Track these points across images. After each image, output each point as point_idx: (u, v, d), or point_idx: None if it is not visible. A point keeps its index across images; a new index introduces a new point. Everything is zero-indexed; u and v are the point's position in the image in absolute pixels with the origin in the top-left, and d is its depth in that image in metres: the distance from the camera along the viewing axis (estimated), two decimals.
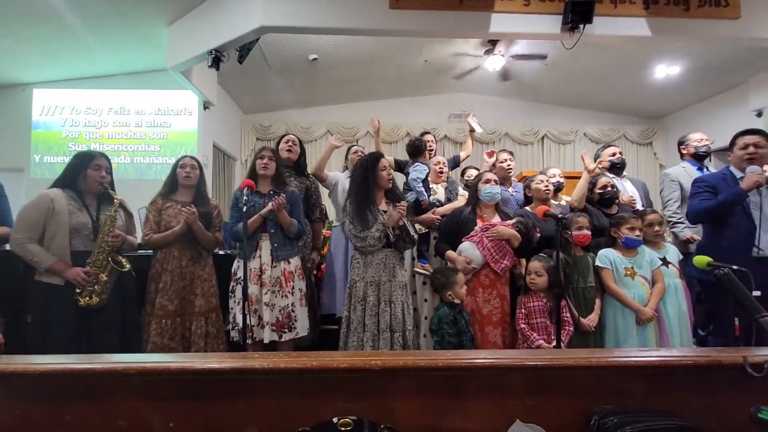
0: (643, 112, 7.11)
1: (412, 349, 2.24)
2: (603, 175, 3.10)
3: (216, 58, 3.91)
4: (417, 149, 3.28)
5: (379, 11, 3.54)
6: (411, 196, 3.06)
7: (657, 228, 2.62)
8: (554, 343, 2.14)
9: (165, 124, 5.28)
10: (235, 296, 2.36)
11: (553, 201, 3.01)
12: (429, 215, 2.91)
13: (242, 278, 2.23)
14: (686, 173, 3.01)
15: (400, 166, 3.55)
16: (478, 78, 6.20)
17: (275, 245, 2.40)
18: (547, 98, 7.00)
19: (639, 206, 3.07)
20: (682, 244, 2.86)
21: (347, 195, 2.50)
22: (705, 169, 3.08)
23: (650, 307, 2.37)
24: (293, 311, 2.39)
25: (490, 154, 3.51)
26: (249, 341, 2.29)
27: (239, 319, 2.21)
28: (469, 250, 2.38)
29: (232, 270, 2.46)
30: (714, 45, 4.51)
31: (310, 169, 3.15)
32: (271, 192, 2.47)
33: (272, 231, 2.41)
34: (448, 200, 3.09)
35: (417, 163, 3.15)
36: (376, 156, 2.49)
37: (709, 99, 6.23)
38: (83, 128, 5.20)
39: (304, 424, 0.88)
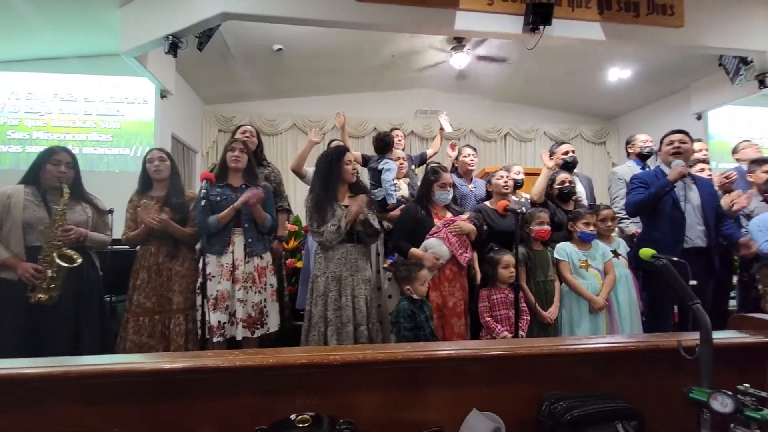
0: (598, 112, 7.49)
1: (377, 343, 2.25)
2: (560, 171, 3.24)
3: (173, 44, 3.72)
4: (385, 145, 3.28)
5: (345, 3, 3.51)
6: (379, 193, 3.07)
7: (609, 223, 2.79)
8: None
9: (118, 112, 4.98)
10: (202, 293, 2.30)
11: (513, 197, 3.11)
12: (397, 212, 2.93)
13: (210, 274, 2.20)
14: (631, 172, 3.20)
15: (366, 161, 3.54)
16: (444, 75, 6.28)
17: (249, 240, 2.35)
18: (511, 97, 7.21)
19: (585, 202, 3.22)
20: (628, 238, 3.06)
21: (309, 189, 2.48)
22: (648, 168, 3.28)
23: (602, 297, 2.52)
24: (265, 307, 2.36)
25: (453, 147, 3.57)
26: (221, 339, 2.24)
27: (208, 316, 2.19)
28: (436, 247, 2.42)
29: (200, 266, 2.38)
30: (660, 51, 4.80)
31: (290, 166, 3.10)
32: (243, 186, 2.40)
33: (246, 226, 2.35)
34: (412, 196, 3.12)
35: (386, 160, 3.16)
36: (341, 150, 2.48)
37: (656, 102, 6.65)
38: (24, 115, 4.80)
39: (262, 423, 0.86)
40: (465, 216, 2.53)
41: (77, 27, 4.22)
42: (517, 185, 3.20)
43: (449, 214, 2.56)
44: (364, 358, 0.93)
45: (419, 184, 3.34)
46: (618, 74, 5.91)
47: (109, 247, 2.49)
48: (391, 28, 3.77)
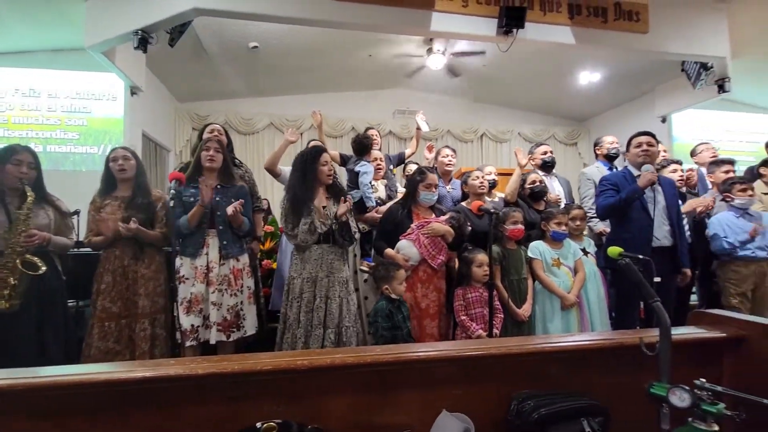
0: (570, 114, 7.71)
1: (348, 345, 2.23)
2: (533, 171, 3.32)
3: (143, 40, 3.61)
4: (364, 147, 3.28)
5: (321, 2, 3.48)
6: (356, 194, 3.06)
7: (579, 222, 2.87)
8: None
9: (84, 109, 4.79)
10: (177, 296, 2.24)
11: (487, 197, 3.16)
12: (372, 214, 2.93)
13: (183, 276, 2.14)
14: (599, 172, 3.31)
15: (344, 161, 3.52)
16: (422, 75, 6.32)
17: (224, 242, 2.29)
18: (487, 98, 7.33)
19: (563, 203, 3.32)
20: (597, 237, 3.15)
21: (285, 190, 2.44)
22: (615, 169, 3.40)
23: (573, 294, 2.59)
24: (242, 310, 2.31)
25: (430, 149, 3.60)
26: (194, 342, 2.18)
27: (182, 320, 2.13)
28: (406, 248, 2.43)
29: (175, 268, 2.31)
30: (627, 56, 4.97)
31: (263, 164, 3.04)
32: (219, 186, 2.34)
33: (221, 228, 2.29)
34: (389, 198, 3.12)
35: (363, 162, 3.15)
36: (318, 150, 2.44)
37: (624, 105, 6.90)
38: None
39: None
40: (443, 218, 2.54)
41: (41, 19, 4.03)
42: (490, 185, 3.25)
43: (432, 215, 2.57)
44: (332, 362, 0.91)
45: (398, 184, 3.36)
46: (588, 77, 6.10)
47: (74, 249, 2.40)
48: (368, 27, 3.76)
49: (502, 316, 2.50)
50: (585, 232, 3.09)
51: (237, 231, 2.35)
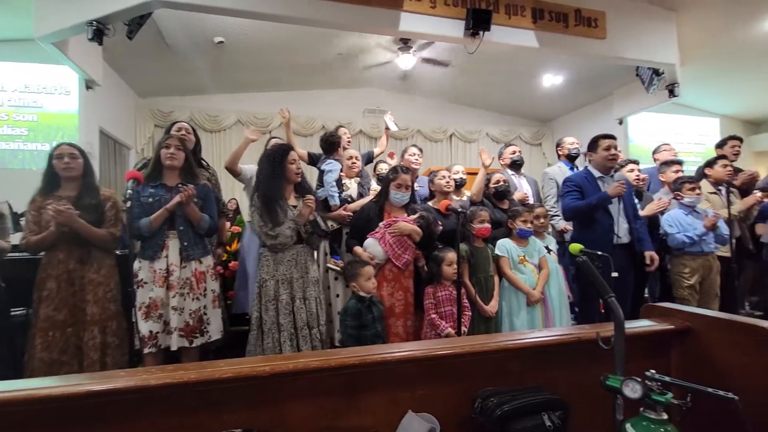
0: (535, 115, 7.96)
1: (327, 343, 2.22)
2: (502, 171, 3.41)
3: (98, 31, 3.41)
4: (331, 145, 3.25)
5: None
6: (322, 193, 3.03)
7: (543, 220, 2.96)
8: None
9: (35, 103, 4.48)
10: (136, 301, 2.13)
11: (455, 197, 3.21)
12: (340, 212, 2.92)
13: (142, 281, 2.04)
14: (561, 172, 3.45)
15: (314, 160, 3.48)
16: (392, 75, 6.34)
17: (185, 244, 2.19)
18: (456, 99, 7.45)
19: (531, 201, 3.44)
20: (558, 234, 3.28)
21: (253, 189, 2.38)
22: (575, 169, 3.54)
23: (538, 290, 2.68)
24: (205, 314, 2.22)
25: (392, 156, 3.63)
26: (153, 349, 2.08)
27: (141, 326, 2.03)
28: (371, 247, 2.43)
29: (133, 271, 2.20)
30: (587, 60, 5.18)
31: (224, 163, 2.94)
32: (180, 185, 2.23)
33: (181, 228, 2.19)
34: (360, 195, 3.11)
35: (329, 160, 3.12)
36: (285, 148, 2.40)
37: (585, 107, 7.20)
38: None
39: None
40: (412, 217, 2.56)
41: None
42: (459, 184, 3.31)
43: (404, 214, 2.58)
44: (295, 367, 0.89)
45: (373, 182, 3.36)
46: (551, 80, 6.32)
47: (18, 253, 2.24)
48: (336, 25, 3.73)
49: (471, 313, 2.56)
50: (548, 230, 3.20)
51: (198, 229, 2.25)
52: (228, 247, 3.35)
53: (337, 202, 2.96)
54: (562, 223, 3.29)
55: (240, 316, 2.89)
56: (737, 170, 3.96)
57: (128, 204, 1.89)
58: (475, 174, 3.23)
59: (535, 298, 2.66)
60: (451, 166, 3.38)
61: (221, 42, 5.01)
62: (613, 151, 2.78)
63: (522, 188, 3.60)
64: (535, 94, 6.83)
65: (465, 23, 3.70)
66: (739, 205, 3.29)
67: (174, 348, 2.11)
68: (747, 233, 3.48)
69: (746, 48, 5.03)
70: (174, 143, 2.26)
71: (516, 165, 3.63)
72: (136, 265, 2.15)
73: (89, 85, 4.60)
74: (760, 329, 1.15)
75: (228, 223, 3.56)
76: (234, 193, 5.63)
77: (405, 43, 5.39)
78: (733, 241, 3.17)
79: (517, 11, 3.92)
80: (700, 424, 1.19)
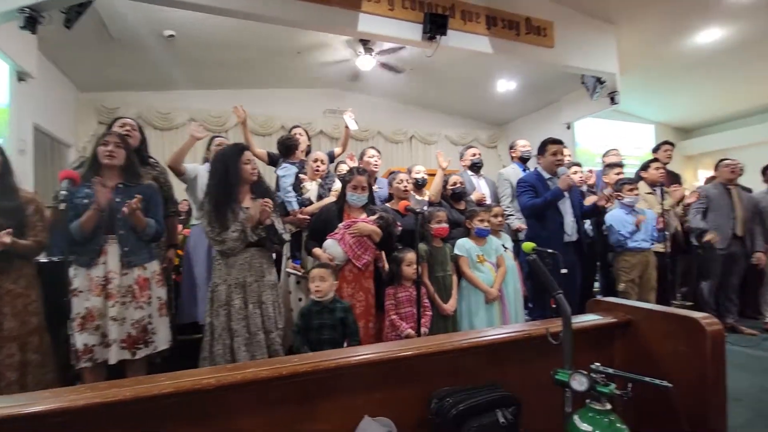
0: (491, 119, 8.25)
1: (287, 348, 2.15)
2: (463, 172, 3.51)
3: (31, 19, 3.12)
4: (288, 148, 3.17)
5: None
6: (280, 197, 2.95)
7: (500, 219, 3.06)
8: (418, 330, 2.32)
9: None
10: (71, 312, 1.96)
11: (417, 196, 3.26)
12: (297, 215, 2.86)
13: (77, 289, 1.87)
14: (515, 173, 3.60)
15: (274, 161, 3.38)
16: (353, 76, 6.32)
17: (126, 249, 2.03)
18: (416, 102, 7.56)
19: (489, 201, 3.55)
20: (513, 233, 3.41)
21: (205, 192, 2.27)
22: (528, 170, 3.71)
23: (495, 288, 2.75)
24: (150, 323, 2.06)
25: (352, 158, 3.63)
26: (89, 363, 1.91)
27: (75, 339, 1.86)
28: (331, 248, 2.40)
29: (68, 279, 2.01)
30: (537, 67, 5.43)
31: (166, 161, 2.78)
32: (120, 185, 2.07)
33: (122, 233, 2.03)
34: (320, 197, 3.07)
35: (285, 165, 3.05)
36: (240, 147, 2.30)
37: (535, 112, 7.54)
38: None
39: None
40: (371, 218, 2.55)
41: None
42: (420, 184, 3.36)
43: (364, 215, 2.56)
44: (244, 378, 0.85)
45: (332, 181, 3.32)
46: (505, 85, 6.58)
47: None
48: (293, 23, 3.65)
49: (431, 313, 2.58)
50: (504, 229, 3.31)
51: (142, 236, 2.09)
52: (179, 251, 3.18)
53: (295, 207, 2.89)
54: (517, 223, 3.42)
55: (187, 325, 2.73)
56: (672, 173, 4.32)
57: (62, 206, 1.73)
58: (435, 175, 3.30)
59: (493, 296, 2.73)
60: (413, 167, 3.43)
61: (172, 36, 4.77)
62: (559, 156, 2.97)
63: (480, 189, 3.71)
64: (491, 98, 7.06)
65: (423, 27, 3.76)
66: (670, 200, 3.58)
67: (113, 361, 1.95)
68: (681, 229, 3.79)
69: (678, 60, 5.48)
70: (113, 140, 2.09)
71: (476, 167, 3.76)
72: (71, 272, 1.97)
73: (21, 77, 4.20)
74: (690, 319, 1.25)
75: (180, 225, 3.37)
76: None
77: (366, 45, 5.39)
78: (667, 234, 3.45)
79: (472, 17, 4.04)
80: (641, 411, 1.27)
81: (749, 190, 4.11)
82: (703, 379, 1.17)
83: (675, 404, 1.03)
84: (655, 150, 4.25)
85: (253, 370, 0.87)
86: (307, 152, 3.45)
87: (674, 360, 1.28)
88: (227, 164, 2.19)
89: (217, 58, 5.42)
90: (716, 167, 4.02)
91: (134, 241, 2.07)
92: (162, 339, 2.12)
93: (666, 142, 4.25)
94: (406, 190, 2.95)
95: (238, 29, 4.68)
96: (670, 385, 1.03)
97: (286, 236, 2.44)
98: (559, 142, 3.02)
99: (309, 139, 3.60)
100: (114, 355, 1.94)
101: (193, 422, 0.85)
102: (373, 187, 3.37)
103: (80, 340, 1.89)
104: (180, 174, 2.76)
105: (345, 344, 2.09)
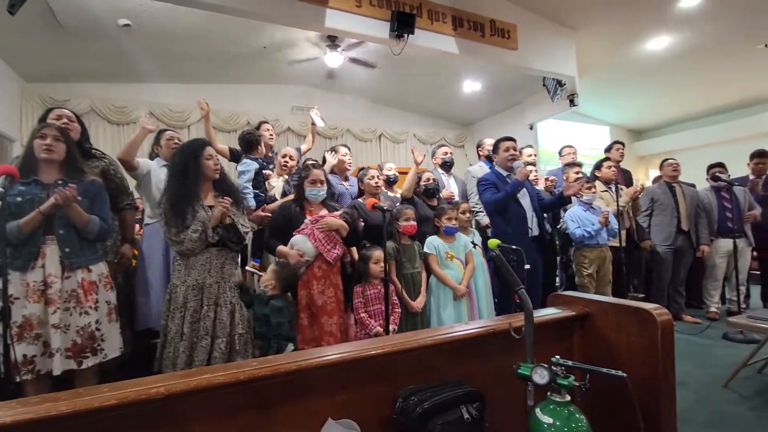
0: (458, 119, 8.39)
1: (242, 354, 2.06)
2: (434, 169, 3.55)
3: None
4: (249, 143, 3.08)
5: None
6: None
7: (468, 215, 3.11)
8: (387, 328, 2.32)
9: None
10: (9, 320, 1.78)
11: (389, 193, 3.26)
12: (259, 213, 2.79)
13: (12, 296, 1.71)
14: (482, 171, 3.68)
15: (236, 157, 3.28)
16: (321, 72, 6.23)
17: (67, 250, 1.88)
18: (385, 100, 7.57)
19: (457, 199, 3.60)
20: (482, 230, 3.49)
21: (163, 189, 2.14)
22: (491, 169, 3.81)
23: (463, 285, 2.79)
24: (98, 329, 1.92)
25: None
26: (29, 376, 1.76)
27: (13, 350, 1.65)
28: (301, 243, 2.36)
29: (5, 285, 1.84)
30: (502, 69, 5.57)
31: (117, 154, 2.60)
32: (59, 182, 1.91)
33: (62, 232, 1.87)
34: (285, 194, 3.01)
35: (245, 160, 2.96)
36: (200, 143, 2.19)
37: (500, 113, 7.73)
38: None
39: None
40: (337, 213, 2.52)
41: None
42: (392, 181, 3.36)
43: (324, 211, 2.52)
44: (198, 385, 0.80)
45: None
46: (471, 86, 6.70)
47: None
48: (258, 16, 3.54)
49: (399, 310, 2.59)
50: (473, 226, 3.37)
51: (84, 234, 1.94)
52: (135, 251, 3.02)
53: (251, 203, 2.81)
54: (486, 219, 3.50)
55: (144, 332, 2.59)
56: (625, 171, 4.56)
57: None
58: (405, 173, 3.31)
59: (461, 293, 2.77)
60: (384, 164, 3.43)
61: (127, 25, 4.51)
62: (512, 152, 3.09)
63: (450, 187, 3.77)
64: (458, 98, 7.18)
65: (390, 25, 3.75)
66: (624, 197, 3.77)
67: (57, 372, 1.81)
68: (634, 225, 4.00)
69: (631, 66, 5.78)
70: (51, 133, 1.93)
71: (446, 165, 3.82)
72: (7, 277, 1.81)
73: None
74: (641, 311, 1.31)
75: (137, 226, 3.19)
76: None
77: (333, 41, 5.32)
78: (623, 232, 3.63)
79: (439, 17, 4.08)
80: (598, 401, 1.32)
81: (693, 185, 4.39)
82: (655, 366, 1.23)
83: (629, 392, 1.07)
84: (608, 149, 4.47)
85: (208, 377, 0.82)
86: (269, 149, 3.39)
87: (628, 349, 1.33)
88: (187, 160, 2.08)
89: (177, 50, 5.18)
90: (660, 167, 4.28)
91: (76, 242, 1.92)
92: (112, 346, 1.98)
93: (617, 142, 4.49)
94: (378, 186, 2.94)
95: (199, 21, 4.49)
96: (624, 374, 1.07)
97: (249, 235, 2.37)
98: (510, 139, 3.14)
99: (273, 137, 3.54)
100: (58, 366, 1.80)
101: None
102: (345, 185, 3.35)
103: (18, 350, 1.74)
104: (132, 169, 2.59)
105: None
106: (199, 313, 2.00)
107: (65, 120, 2.30)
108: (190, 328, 1.97)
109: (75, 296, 1.88)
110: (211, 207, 2.11)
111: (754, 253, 4.15)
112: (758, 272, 4.31)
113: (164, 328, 2.02)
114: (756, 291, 4.34)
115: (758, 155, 4.27)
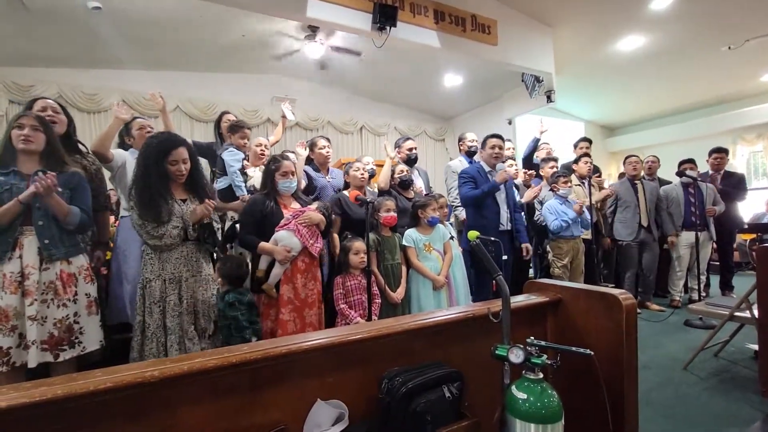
0: (438, 113, 8.47)
1: (221, 345, 2.07)
2: (400, 163, 3.57)
3: None
4: (234, 128, 3.07)
5: None
6: (220, 184, 2.84)
7: (444, 210, 3.19)
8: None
9: None
10: None
11: (368, 188, 3.29)
12: (239, 203, 2.77)
13: None
14: (462, 166, 3.75)
15: (203, 152, 3.17)
16: (301, 64, 6.16)
17: (46, 242, 1.84)
18: (366, 93, 7.55)
19: (423, 191, 3.63)
20: (461, 223, 3.58)
21: (132, 181, 2.06)
22: (474, 162, 3.88)
23: (442, 275, 2.86)
24: (77, 322, 1.90)
25: (303, 146, 3.57)
26: (4, 368, 1.73)
27: None
28: (287, 239, 2.36)
29: None
30: (482, 64, 5.66)
31: (90, 146, 2.53)
32: (40, 173, 1.84)
33: (41, 223, 1.84)
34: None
35: (231, 149, 2.92)
36: (165, 147, 2.00)
37: (480, 107, 7.85)
38: None
39: None
40: (313, 206, 2.54)
41: None
42: (369, 175, 3.39)
43: (297, 204, 2.52)
44: (191, 368, 0.82)
45: None
46: (452, 81, 6.77)
47: None
48: (237, 4, 3.49)
49: (380, 301, 2.64)
50: (451, 220, 3.46)
51: (64, 225, 1.91)
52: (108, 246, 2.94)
53: (245, 192, 2.80)
54: (464, 214, 3.58)
55: (118, 326, 2.53)
56: (594, 166, 4.75)
57: None
58: (381, 165, 3.36)
59: (440, 284, 2.84)
60: (361, 158, 3.45)
61: (98, 8, 4.34)
62: (497, 150, 3.20)
63: (416, 181, 3.78)
64: (439, 92, 7.24)
65: (372, 17, 3.76)
66: (597, 195, 3.94)
67: (32, 365, 1.78)
68: (601, 219, 4.21)
69: (606, 64, 5.98)
70: (29, 122, 1.88)
71: (410, 160, 3.67)
72: None
73: None
74: (608, 296, 1.40)
75: (112, 218, 3.11)
76: None
77: (312, 30, 5.27)
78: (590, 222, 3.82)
79: (421, 11, 4.11)
80: (568, 378, 1.42)
81: (668, 182, 4.61)
82: (619, 346, 1.33)
83: (596, 369, 1.16)
84: (575, 146, 4.66)
85: (201, 361, 0.84)
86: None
87: (596, 331, 1.43)
88: (148, 165, 1.96)
89: (151, 35, 5.02)
90: (623, 164, 4.48)
91: (56, 233, 1.89)
92: (91, 339, 1.96)
93: (583, 139, 4.68)
94: (364, 179, 2.99)
95: (174, 6, 4.38)
96: (591, 352, 1.15)
97: (219, 232, 2.36)
98: (498, 137, 3.24)
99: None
100: (33, 358, 1.77)
101: (131, 420, 0.81)
102: (326, 177, 3.36)
103: None
104: (106, 161, 2.50)
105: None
106: (180, 307, 1.99)
107: (50, 112, 2.22)
108: (174, 322, 1.96)
109: (53, 288, 1.85)
110: (183, 200, 2.06)
111: (714, 245, 4.42)
112: (717, 263, 4.59)
113: (141, 324, 1.97)
114: (715, 281, 4.63)
115: (716, 151, 4.53)
